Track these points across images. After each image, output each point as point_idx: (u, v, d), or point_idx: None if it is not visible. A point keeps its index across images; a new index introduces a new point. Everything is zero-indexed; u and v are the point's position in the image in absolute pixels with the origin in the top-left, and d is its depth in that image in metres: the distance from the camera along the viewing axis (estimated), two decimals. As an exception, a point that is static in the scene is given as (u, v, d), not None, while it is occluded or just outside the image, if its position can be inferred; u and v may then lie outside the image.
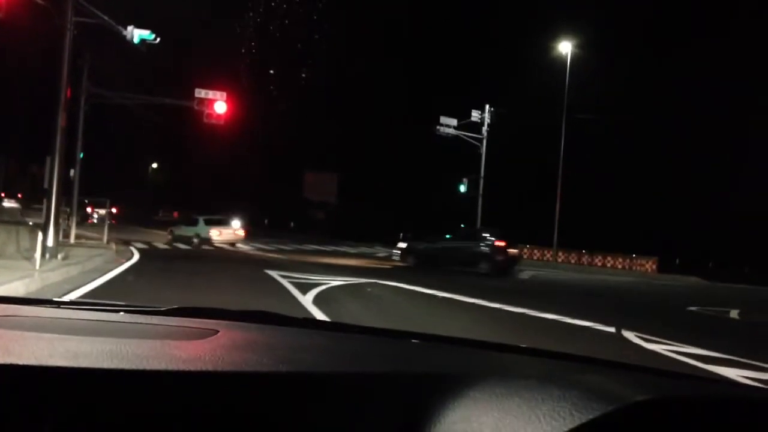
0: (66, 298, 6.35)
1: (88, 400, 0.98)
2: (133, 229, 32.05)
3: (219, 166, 63.68)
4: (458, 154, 36.38)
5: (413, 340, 1.76)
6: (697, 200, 37.77)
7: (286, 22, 77.65)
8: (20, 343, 1.15)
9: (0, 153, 34.25)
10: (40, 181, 15.53)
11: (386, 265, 21.96)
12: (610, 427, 0.90)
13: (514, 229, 33.48)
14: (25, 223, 19.58)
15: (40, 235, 12.57)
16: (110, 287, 11.15)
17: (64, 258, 13.94)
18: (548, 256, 33.46)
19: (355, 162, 56.13)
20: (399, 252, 22.99)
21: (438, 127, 34.00)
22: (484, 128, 34.84)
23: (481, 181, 35.09)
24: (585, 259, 33.29)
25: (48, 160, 14.98)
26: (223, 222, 29.41)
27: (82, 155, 22.30)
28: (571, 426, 0.89)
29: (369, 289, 13.19)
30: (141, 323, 1.55)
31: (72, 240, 20.67)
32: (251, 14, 79.06)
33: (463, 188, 34.39)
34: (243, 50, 78.07)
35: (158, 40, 16.41)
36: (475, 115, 34.51)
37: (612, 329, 9.45)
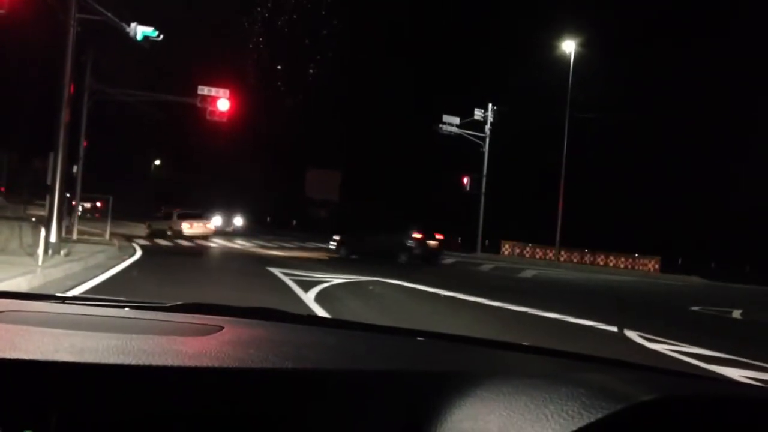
0: (70, 294, 6.36)
1: (94, 395, 0.98)
2: (121, 223, 32.26)
3: (222, 163, 63.68)
4: (461, 153, 36.38)
5: (418, 338, 1.76)
6: (699, 200, 37.73)
7: (294, 17, 77.46)
8: (25, 338, 1.15)
9: (2, 148, 34.24)
10: (43, 176, 15.55)
11: (324, 257, 23.09)
12: (618, 427, 0.90)
13: (517, 228, 33.57)
14: (28, 219, 19.62)
15: (42, 231, 12.59)
16: (113, 283, 11.17)
17: (67, 254, 13.96)
18: (550, 255, 33.44)
19: (358, 160, 56.14)
20: (334, 244, 24.40)
21: (441, 125, 34.03)
22: (487, 127, 34.87)
23: (484, 180, 35.11)
24: (587, 258, 33.28)
25: (51, 156, 15.00)
26: (195, 216, 31.86)
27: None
28: (579, 425, 0.88)
29: (371, 287, 13.20)
30: (146, 319, 1.55)
31: (74, 236, 20.70)
32: (259, 9, 78.87)
33: (465, 187, 34.43)
34: (250, 45, 77.92)
35: (161, 37, 16.40)
36: (477, 113, 34.53)
37: (614, 329, 9.45)
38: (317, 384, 1.11)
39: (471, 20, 51.93)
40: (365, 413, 1.07)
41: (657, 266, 30.82)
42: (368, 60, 60.03)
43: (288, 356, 1.24)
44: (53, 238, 13.86)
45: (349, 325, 1.93)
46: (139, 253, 18.48)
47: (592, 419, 0.89)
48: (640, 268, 31.25)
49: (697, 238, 36.08)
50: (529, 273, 23.30)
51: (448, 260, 27.35)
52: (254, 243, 29.63)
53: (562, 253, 33.15)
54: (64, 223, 17.69)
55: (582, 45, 32.84)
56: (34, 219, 20.09)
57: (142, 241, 24.44)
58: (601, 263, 32.55)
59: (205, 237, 30.44)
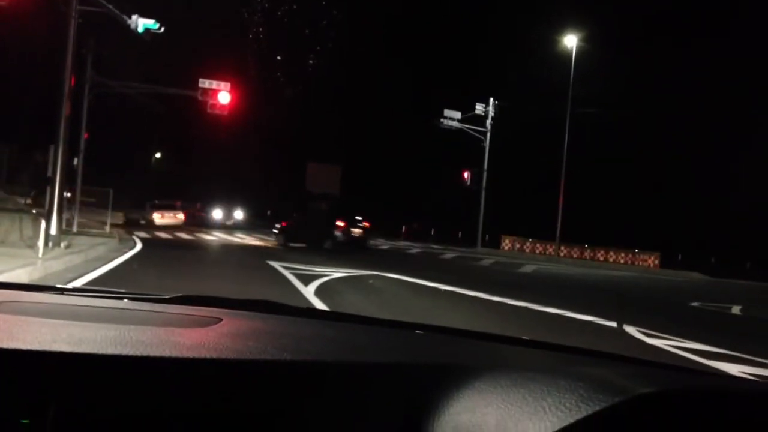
0: (70, 286, 6.36)
1: (91, 385, 0.97)
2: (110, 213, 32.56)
3: (222, 157, 63.61)
4: (462, 148, 36.37)
5: (417, 331, 1.76)
6: (700, 196, 37.72)
7: (294, 7, 77.09)
8: (24, 329, 1.15)
9: (3, 141, 34.21)
10: (44, 169, 15.55)
11: (268, 244, 24.59)
12: (615, 420, 0.90)
13: (517, 223, 33.60)
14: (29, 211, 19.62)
15: (43, 223, 12.59)
16: (114, 276, 11.18)
17: (67, 246, 13.97)
18: (550, 250, 33.45)
19: (358, 154, 56.07)
20: (275, 233, 26.16)
21: (442, 119, 34.00)
22: (488, 121, 34.84)
23: (485, 175, 35.10)
24: (587, 253, 33.29)
25: (51, 148, 14.99)
26: (166, 207, 34.72)
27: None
28: (576, 418, 0.88)
29: (370, 281, 13.22)
30: (145, 310, 1.55)
31: (74, 229, 20.70)
32: (258, -1, 78.41)
33: (466, 182, 34.42)
34: (250, 36, 77.55)
35: (162, 29, 16.37)
36: (479, 108, 34.50)
37: (614, 324, 9.45)
38: (316, 376, 1.11)
39: (472, 14, 51.83)
40: (364, 405, 1.07)
41: (657, 262, 30.83)
42: (368, 53, 59.86)
43: (287, 348, 1.24)
44: (53, 231, 13.86)
45: (348, 318, 1.93)
46: (139, 246, 18.49)
47: (590, 412, 0.89)
48: (640, 263, 31.26)
49: (697, 233, 36.07)
50: (529, 268, 23.32)
51: (448, 255, 27.37)
52: (255, 236, 29.64)
53: (562, 248, 33.16)
54: (65, 216, 17.68)
55: (584, 40, 32.77)
56: (34, 211, 20.08)
57: (143, 234, 24.45)
58: (601, 259, 32.56)
59: (175, 226, 32.14)
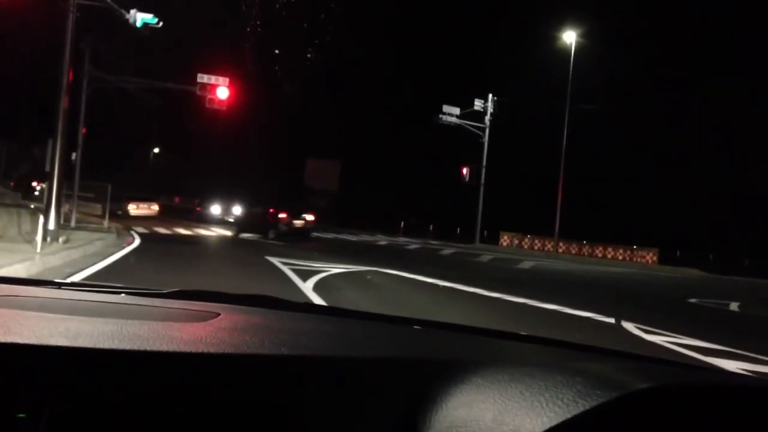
0: (68, 281, 6.36)
1: (89, 379, 0.97)
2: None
3: (221, 152, 63.59)
4: (461, 144, 36.36)
5: (415, 327, 1.76)
6: (698, 192, 37.74)
7: (292, 0, 76.84)
8: (21, 323, 1.14)
9: (1, 136, 34.22)
10: (42, 163, 15.53)
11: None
12: (613, 415, 0.90)
13: (516, 219, 33.62)
14: (27, 206, 19.61)
15: (41, 218, 12.58)
16: (112, 271, 11.17)
17: (66, 241, 13.96)
18: (549, 246, 33.48)
19: (357, 150, 56.04)
20: (231, 222, 28.33)
21: (440, 115, 33.98)
22: (487, 117, 34.85)
23: (483, 171, 35.11)
24: (586, 250, 33.32)
25: (50, 142, 14.98)
26: (141, 199, 36.19)
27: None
28: (574, 413, 0.88)
29: (369, 277, 13.22)
30: (142, 305, 1.55)
31: (73, 224, 20.69)
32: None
33: (465, 178, 34.44)
34: (248, 29, 77.27)
35: (161, 24, 16.35)
36: (477, 104, 34.50)
37: (612, 320, 9.47)
38: (314, 371, 1.11)
39: (471, 9, 51.75)
40: (362, 400, 1.07)
41: (655, 258, 30.86)
42: (366, 48, 59.77)
43: (285, 343, 1.24)
44: (52, 226, 13.86)
45: (346, 312, 1.93)
46: (137, 241, 18.49)
47: (587, 407, 0.89)
48: (639, 260, 31.29)
49: (695, 230, 36.11)
50: (527, 264, 23.34)
51: (446, 251, 27.39)
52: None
53: (561, 244, 33.19)
54: (62, 210, 17.68)
55: (583, 36, 32.73)
56: (32, 206, 20.08)
57: (141, 229, 24.45)
58: (600, 255, 32.60)
59: (149, 217, 33.84)
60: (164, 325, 1.29)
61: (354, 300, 9.86)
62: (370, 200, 50.58)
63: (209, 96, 22.42)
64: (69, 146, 17.34)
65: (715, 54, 39.29)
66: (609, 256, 32.30)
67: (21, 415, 0.91)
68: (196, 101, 23.82)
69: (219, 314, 1.46)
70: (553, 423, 0.87)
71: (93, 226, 21.61)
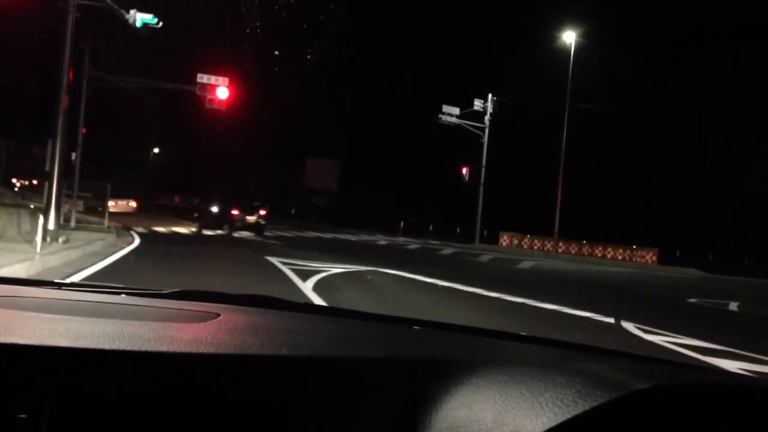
0: (68, 281, 6.35)
1: (89, 380, 0.98)
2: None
3: (221, 151, 63.62)
4: (460, 143, 36.37)
5: (414, 327, 1.76)
6: (697, 192, 37.76)
7: (291, 1, 76.88)
8: (21, 323, 1.15)
9: (1, 135, 34.23)
10: (42, 163, 15.52)
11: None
12: (613, 415, 0.90)
13: (515, 219, 33.59)
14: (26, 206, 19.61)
15: (41, 218, 12.58)
16: (111, 271, 11.17)
17: (65, 241, 13.95)
18: (548, 246, 33.48)
19: (357, 150, 56.06)
20: (195, 217, 30.41)
21: (440, 115, 33.97)
22: (487, 117, 34.85)
23: (483, 171, 35.11)
24: (585, 249, 33.31)
25: (49, 142, 14.97)
26: (120, 196, 36.44)
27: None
28: (574, 413, 0.88)
29: (369, 277, 13.22)
30: (142, 306, 1.55)
31: (73, 224, 20.69)
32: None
33: (464, 178, 34.44)
34: (248, 30, 77.26)
35: (161, 24, 16.34)
36: (477, 104, 34.49)
37: (611, 320, 9.47)
38: (314, 371, 1.11)
39: (471, 9, 51.76)
40: (361, 400, 1.07)
41: (655, 258, 30.86)
42: (366, 48, 59.78)
43: (284, 343, 1.24)
44: (51, 226, 13.86)
45: (346, 313, 1.93)
46: (137, 241, 18.49)
47: (587, 407, 0.89)
48: (638, 259, 31.29)
49: (695, 230, 36.14)
50: (527, 264, 23.34)
51: (446, 251, 27.39)
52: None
53: (561, 244, 33.18)
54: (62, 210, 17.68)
55: (583, 36, 32.72)
56: (32, 206, 20.08)
57: (141, 229, 24.46)
58: (599, 255, 32.60)
59: (126, 213, 34.64)
60: (164, 325, 1.29)
61: (354, 300, 9.86)
62: (369, 200, 50.61)
63: (209, 96, 22.42)
64: (69, 146, 17.34)
65: (716, 54, 39.30)
66: (609, 255, 32.30)
67: (22, 416, 0.91)
68: (196, 101, 23.83)
69: (219, 315, 1.46)
70: (553, 423, 0.88)
71: (93, 226, 21.61)
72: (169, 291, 1.77)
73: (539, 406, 0.93)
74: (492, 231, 36.56)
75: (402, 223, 40.95)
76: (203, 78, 22.50)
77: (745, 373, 6.25)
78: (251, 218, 27.27)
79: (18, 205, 18.20)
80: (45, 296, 1.57)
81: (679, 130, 39.80)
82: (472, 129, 34.97)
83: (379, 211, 45.57)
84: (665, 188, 39.44)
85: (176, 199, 55.94)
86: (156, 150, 67.47)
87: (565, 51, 32.60)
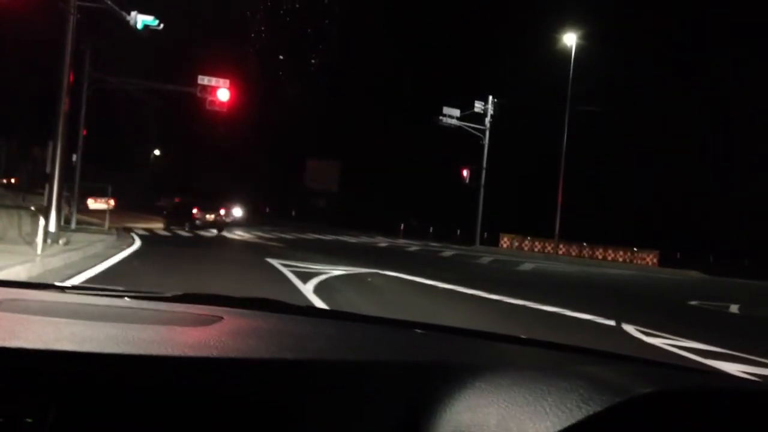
0: (70, 283, 6.36)
1: (94, 384, 0.98)
2: (121, 213, 33.41)
3: (222, 153, 63.61)
4: (461, 145, 36.36)
5: (417, 330, 1.76)
6: (698, 193, 37.74)
7: (297, 6, 77.05)
8: (26, 327, 1.15)
9: (2, 136, 34.27)
10: (42, 165, 15.52)
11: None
12: (616, 420, 0.90)
13: (516, 221, 33.56)
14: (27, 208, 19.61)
15: (41, 219, 12.58)
16: (112, 273, 11.17)
17: (66, 243, 13.95)
18: (549, 248, 33.46)
19: (358, 151, 56.05)
20: (164, 215, 32.09)
21: (441, 117, 33.97)
22: (487, 119, 34.85)
23: (483, 172, 35.11)
24: (586, 251, 33.29)
25: (50, 144, 14.97)
26: (99, 194, 36.91)
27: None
28: (578, 418, 0.89)
29: (369, 279, 13.22)
30: (146, 309, 1.55)
31: (73, 225, 20.69)
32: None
33: (465, 180, 34.44)
34: (252, 35, 77.40)
35: (162, 26, 16.35)
36: (478, 106, 34.49)
37: (612, 322, 9.47)
38: (317, 375, 1.11)
39: (472, 12, 51.76)
40: (364, 404, 1.07)
41: (655, 260, 30.85)
42: (368, 49, 59.83)
43: (287, 347, 1.24)
44: (52, 227, 13.85)
45: (348, 316, 1.93)
46: (138, 243, 18.48)
47: (591, 412, 0.89)
48: (639, 262, 31.28)
49: (696, 232, 36.11)
50: (527, 266, 23.33)
51: (447, 253, 27.38)
52: (253, 234, 29.66)
53: (561, 246, 33.16)
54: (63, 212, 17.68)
55: (583, 38, 32.73)
56: (33, 208, 20.08)
57: (141, 231, 24.47)
58: (600, 257, 32.58)
59: (105, 211, 35.04)
60: (168, 329, 1.30)
61: (354, 302, 9.86)
62: (370, 202, 50.58)
63: (210, 98, 22.42)
64: (69, 148, 17.35)
65: (716, 56, 39.28)
66: (609, 257, 32.28)
67: (28, 420, 0.91)
68: (197, 103, 23.83)
69: (222, 318, 1.46)
70: (557, 428, 0.88)
71: (93, 227, 21.61)
72: (172, 294, 1.77)
73: (543, 410, 0.93)
74: (492, 233, 36.54)
75: (402, 225, 40.93)
76: (204, 80, 22.49)
77: (746, 376, 6.25)
78: (210, 217, 29.74)
79: (19, 207, 18.21)
80: (50, 300, 1.57)
81: (679, 131, 39.79)
82: (472, 131, 34.97)
83: (380, 212, 45.56)
84: (666, 190, 39.42)
85: (177, 200, 55.92)
86: (157, 152, 67.48)
87: (565, 53, 32.62)
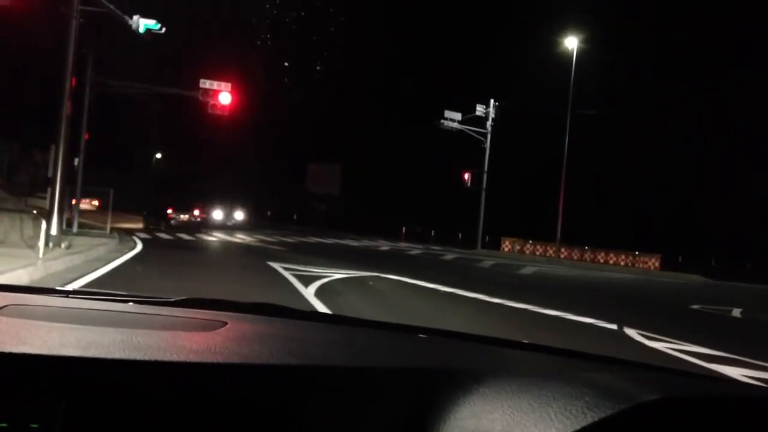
0: (74, 287, 6.36)
1: (100, 389, 0.98)
2: (122, 215, 33.49)
3: (223, 157, 63.67)
4: (462, 149, 36.38)
5: (421, 335, 1.76)
6: (700, 197, 37.71)
7: (302, 14, 77.42)
8: (31, 332, 1.15)
9: (4, 140, 34.26)
10: (44, 168, 15.55)
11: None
12: (621, 426, 0.90)
13: (517, 224, 33.57)
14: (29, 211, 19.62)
15: (43, 223, 12.59)
16: (114, 276, 11.18)
17: (68, 247, 13.97)
18: (551, 252, 33.44)
19: (359, 155, 56.10)
20: (144, 216, 33.51)
21: (442, 120, 33.98)
22: (489, 123, 34.86)
23: (485, 176, 35.11)
24: (587, 255, 33.27)
25: (52, 148, 14.99)
26: (84, 195, 38.31)
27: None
28: (582, 424, 0.89)
29: (370, 283, 13.22)
30: (151, 314, 1.56)
31: (75, 229, 20.72)
32: (267, 6, 78.65)
33: (466, 183, 34.44)
34: (258, 42, 77.70)
35: (164, 29, 16.38)
36: (479, 109, 34.52)
37: (614, 326, 9.45)
38: (321, 380, 1.11)
39: (472, 16, 51.84)
40: (368, 410, 1.07)
41: (657, 264, 30.81)
42: (369, 53, 59.92)
43: (292, 352, 1.25)
44: (54, 231, 13.87)
45: (352, 321, 1.93)
46: (139, 247, 18.49)
47: (596, 419, 0.89)
48: (641, 265, 31.24)
49: (697, 235, 36.08)
50: (529, 270, 23.31)
51: (448, 256, 27.37)
52: (255, 237, 29.68)
53: (563, 250, 33.14)
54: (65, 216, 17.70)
55: (585, 42, 32.76)
56: (35, 211, 20.09)
57: (143, 235, 24.50)
58: (602, 260, 32.54)
59: (89, 211, 35.65)
60: (173, 334, 1.30)
61: (356, 305, 9.85)
62: (371, 205, 50.59)
63: (211, 101, 22.46)
64: (72, 151, 17.37)
65: (717, 58, 39.28)
66: (611, 261, 32.25)
67: (33, 425, 0.92)
68: (199, 106, 23.87)
69: (226, 323, 1.46)
70: None
71: (95, 231, 21.63)
72: (176, 299, 1.77)
73: (548, 416, 0.93)
74: (494, 236, 36.53)
75: (404, 228, 40.93)
76: (205, 83, 22.54)
77: (749, 380, 6.25)
78: (184, 217, 32.34)
79: (21, 210, 18.22)
80: (54, 304, 1.57)
81: (681, 135, 39.78)
82: (474, 134, 34.98)
83: (381, 216, 45.56)
84: (668, 194, 39.40)
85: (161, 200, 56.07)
86: (159, 155, 67.55)
87: (567, 56, 32.65)
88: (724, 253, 33.54)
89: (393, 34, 57.46)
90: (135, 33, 16.24)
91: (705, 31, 40.06)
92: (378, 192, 51.63)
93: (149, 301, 1.74)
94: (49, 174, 15.10)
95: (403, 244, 34.75)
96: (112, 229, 22.54)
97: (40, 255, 11.26)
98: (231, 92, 22.57)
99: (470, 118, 34.52)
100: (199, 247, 21.77)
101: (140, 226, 31.00)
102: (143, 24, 16.10)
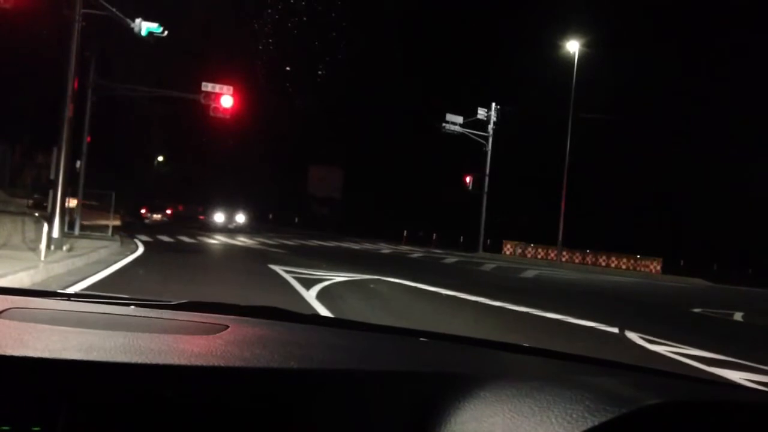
0: (76, 290, 6.36)
1: (102, 393, 0.98)
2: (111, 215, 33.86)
3: (225, 160, 63.75)
4: (464, 152, 36.40)
5: (421, 339, 1.77)
6: (702, 201, 37.69)
7: (304, 19, 77.62)
8: (34, 336, 1.15)
9: (6, 143, 34.33)
10: (46, 171, 15.58)
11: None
12: (622, 430, 0.90)
13: (519, 228, 33.54)
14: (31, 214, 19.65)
15: (45, 226, 12.60)
16: (116, 279, 11.17)
17: (69, 249, 13.97)
18: (552, 255, 33.41)
19: (361, 158, 56.14)
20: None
21: (444, 124, 34.00)
22: (490, 126, 34.88)
23: (486, 179, 35.11)
24: (589, 258, 33.24)
25: (54, 151, 15.02)
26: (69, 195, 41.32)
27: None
28: (583, 428, 0.89)
29: (372, 286, 13.21)
30: (152, 317, 1.56)
31: (77, 232, 20.72)
32: (269, 11, 78.87)
33: (468, 186, 34.46)
34: (260, 47, 77.87)
35: (166, 33, 16.42)
36: (481, 113, 34.54)
37: (615, 330, 9.44)
38: (322, 384, 1.12)
39: (475, 20, 51.92)
40: (370, 413, 1.07)
41: (659, 267, 30.78)
42: (372, 59, 59.99)
43: (293, 356, 1.25)
44: (56, 234, 13.89)
45: (353, 324, 1.93)
46: (141, 249, 18.49)
47: (596, 423, 0.89)
48: (642, 269, 31.21)
49: (699, 239, 36.05)
50: (530, 273, 23.28)
51: (449, 260, 27.36)
52: (257, 240, 29.69)
53: (564, 253, 33.11)
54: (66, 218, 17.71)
55: (587, 45, 32.79)
56: (36, 214, 20.11)
57: (145, 237, 24.50)
58: (603, 264, 32.52)
59: (88, 211, 37.99)
60: (175, 338, 1.30)
61: (357, 309, 9.84)
62: (373, 208, 50.60)
63: (213, 104, 22.48)
64: (74, 154, 17.39)
65: (719, 61, 39.29)
66: (612, 265, 32.22)
67: (35, 429, 0.92)
68: (201, 110, 23.90)
69: (228, 326, 1.46)
70: None
71: (97, 234, 21.64)
72: (178, 302, 1.77)
73: (549, 420, 0.93)
74: (495, 240, 36.52)
75: (405, 231, 40.92)
76: (207, 86, 22.57)
77: (750, 384, 6.23)
78: (157, 216, 36.00)
79: (23, 213, 18.24)
80: (56, 307, 1.58)
81: (683, 138, 39.79)
82: (475, 138, 34.99)
83: (383, 219, 45.57)
84: (670, 197, 39.38)
85: (180, 207, 56.08)
86: (160, 158, 67.62)
87: (569, 60, 32.67)
88: (726, 257, 33.52)
89: (394, 39, 57.55)
90: (137, 36, 16.29)
91: (706, 29, 40.08)
92: (379, 195, 51.65)
93: (151, 304, 1.74)
94: (51, 176, 15.11)
95: (404, 248, 34.73)
96: (114, 232, 22.55)
97: (42, 258, 11.27)
98: (233, 95, 22.60)
99: (472, 122, 34.55)
100: (201, 250, 21.77)
101: (118, 223, 31.35)
102: (145, 27, 16.15)
